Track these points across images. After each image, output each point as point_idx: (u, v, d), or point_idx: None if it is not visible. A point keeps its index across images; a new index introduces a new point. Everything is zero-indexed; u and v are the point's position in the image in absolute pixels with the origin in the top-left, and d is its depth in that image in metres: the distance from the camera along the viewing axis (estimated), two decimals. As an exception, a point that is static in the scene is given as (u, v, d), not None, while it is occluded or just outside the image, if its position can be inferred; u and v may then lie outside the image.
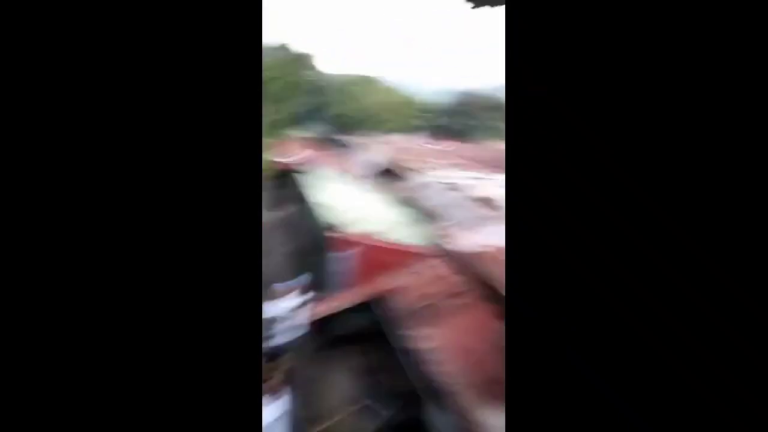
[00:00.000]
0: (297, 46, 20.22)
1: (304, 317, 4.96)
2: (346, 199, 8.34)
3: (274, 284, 4.79)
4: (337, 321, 6.16)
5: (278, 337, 4.51)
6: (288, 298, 4.62)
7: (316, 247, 8.71)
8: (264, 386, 3.52)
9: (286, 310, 4.59)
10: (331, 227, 7.18)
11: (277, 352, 3.88)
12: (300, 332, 4.81)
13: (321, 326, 6.04)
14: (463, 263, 5.15)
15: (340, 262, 6.42)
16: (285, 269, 8.30)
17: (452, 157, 13.35)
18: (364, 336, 6.19)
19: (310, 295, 4.98)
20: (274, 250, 9.24)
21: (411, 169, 10.51)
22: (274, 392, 3.44)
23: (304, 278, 4.78)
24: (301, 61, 20.23)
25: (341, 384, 5.44)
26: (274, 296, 4.68)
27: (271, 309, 4.71)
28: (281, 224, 10.86)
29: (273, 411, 3.20)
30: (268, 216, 11.33)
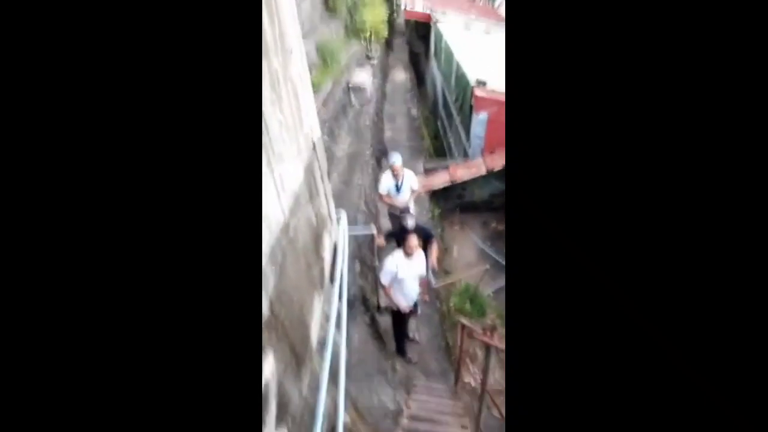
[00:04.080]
0: None
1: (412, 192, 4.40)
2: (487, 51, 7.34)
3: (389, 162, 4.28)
4: (464, 189, 6.15)
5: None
6: (388, 177, 4.21)
7: (444, 111, 8.29)
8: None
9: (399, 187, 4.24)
10: (464, 83, 6.59)
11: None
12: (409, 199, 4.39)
13: (446, 194, 6.12)
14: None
15: (475, 124, 5.99)
16: (408, 135, 8.27)
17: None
18: (488, 205, 6.16)
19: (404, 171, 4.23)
20: (398, 114, 9.12)
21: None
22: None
23: (395, 156, 4.23)
24: None
25: (464, 249, 5.71)
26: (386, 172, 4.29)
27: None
28: (404, 88, 10.45)
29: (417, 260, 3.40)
30: (396, 75, 10.96)
